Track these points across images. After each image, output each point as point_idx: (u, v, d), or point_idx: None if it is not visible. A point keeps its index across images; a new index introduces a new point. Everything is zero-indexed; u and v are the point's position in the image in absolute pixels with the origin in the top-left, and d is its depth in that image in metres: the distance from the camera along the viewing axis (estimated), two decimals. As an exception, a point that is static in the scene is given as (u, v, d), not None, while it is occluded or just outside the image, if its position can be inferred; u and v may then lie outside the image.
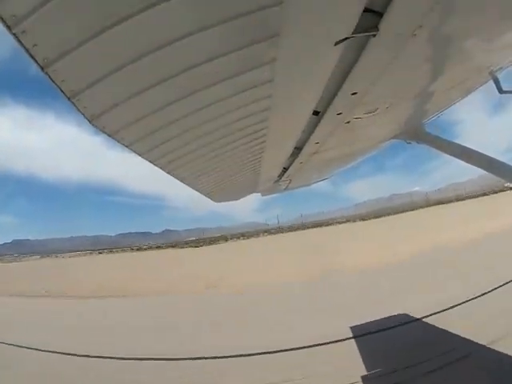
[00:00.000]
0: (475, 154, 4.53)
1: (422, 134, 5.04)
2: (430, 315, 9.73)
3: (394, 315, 10.38)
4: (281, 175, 6.24)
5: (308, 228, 56.15)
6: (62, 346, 11.74)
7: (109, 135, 2.49)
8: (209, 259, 35.84)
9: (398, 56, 2.49)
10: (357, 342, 9.08)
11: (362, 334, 9.48)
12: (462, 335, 7.84)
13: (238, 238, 57.84)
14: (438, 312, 9.91)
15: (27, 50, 1.60)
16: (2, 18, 1.44)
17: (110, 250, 58.48)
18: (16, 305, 21.65)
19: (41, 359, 11.05)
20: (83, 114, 2.16)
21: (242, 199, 8.10)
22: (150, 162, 3.27)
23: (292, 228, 60.57)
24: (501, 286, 11.03)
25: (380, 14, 2.07)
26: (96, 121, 2.27)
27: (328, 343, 9.26)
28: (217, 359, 9.55)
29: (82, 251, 60.63)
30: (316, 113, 3.43)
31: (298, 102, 3.09)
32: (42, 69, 1.73)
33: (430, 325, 9.27)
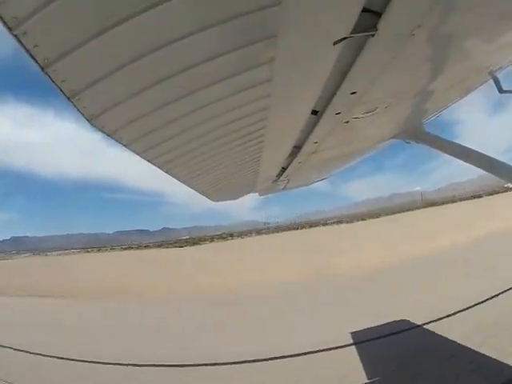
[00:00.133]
0: (474, 154, 4.53)
1: (421, 134, 5.03)
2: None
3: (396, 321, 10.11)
4: (279, 175, 6.23)
5: (304, 228, 56.26)
6: (53, 347, 11.46)
7: (107, 135, 2.49)
8: (205, 258, 35.79)
9: (397, 56, 2.49)
10: (356, 348, 8.86)
11: (361, 341, 9.23)
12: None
13: (237, 236, 58.06)
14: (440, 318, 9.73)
15: (28, 51, 1.62)
16: (4, 20, 1.46)
17: (106, 249, 58.46)
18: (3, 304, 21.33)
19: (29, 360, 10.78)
20: (82, 114, 2.17)
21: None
22: (149, 161, 3.27)
23: (290, 227, 60.71)
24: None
25: (379, 14, 2.07)
26: (95, 120, 2.28)
27: (323, 350, 8.99)
28: (200, 366, 9.32)
29: (77, 249, 60.75)
30: (315, 112, 3.43)
31: (296, 101, 3.09)
32: (43, 69, 1.74)
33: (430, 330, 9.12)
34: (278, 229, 60.95)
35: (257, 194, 8.36)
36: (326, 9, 1.90)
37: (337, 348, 9.02)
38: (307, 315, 12.66)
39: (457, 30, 2.51)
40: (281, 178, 6.52)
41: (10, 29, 1.50)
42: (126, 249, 57.61)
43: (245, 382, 8.37)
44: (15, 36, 1.53)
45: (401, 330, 9.49)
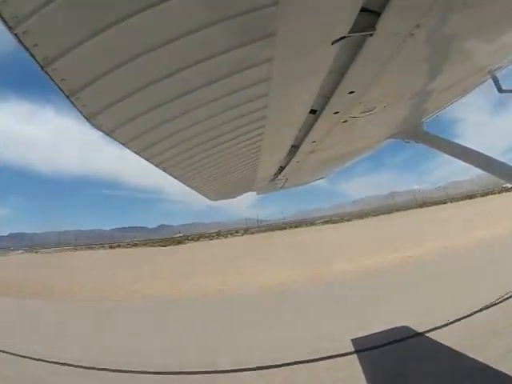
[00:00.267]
0: (473, 154, 4.52)
1: (420, 134, 5.03)
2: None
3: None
4: (277, 174, 6.24)
5: (300, 227, 56.48)
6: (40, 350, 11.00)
7: (106, 133, 2.49)
8: (203, 256, 35.74)
9: (396, 55, 2.49)
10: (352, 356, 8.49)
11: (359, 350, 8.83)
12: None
13: (232, 234, 58.41)
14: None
15: (27, 50, 1.62)
16: (4, 19, 1.47)
17: (102, 246, 58.45)
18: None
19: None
20: (81, 112, 2.18)
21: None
22: (147, 159, 3.27)
23: (287, 225, 60.90)
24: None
25: (377, 14, 2.07)
26: (94, 119, 2.28)
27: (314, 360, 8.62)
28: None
29: (73, 246, 60.69)
30: (313, 111, 3.43)
31: (294, 100, 3.10)
32: (42, 68, 1.75)
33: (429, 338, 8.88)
34: (275, 227, 61.14)
35: (254, 192, 8.38)
36: (324, 8, 1.90)
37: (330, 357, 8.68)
38: (301, 317, 12.41)
39: (456, 29, 2.51)
40: (279, 177, 6.53)
41: (10, 28, 1.51)
42: (122, 246, 57.74)
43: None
44: (15, 35, 1.54)
45: (404, 338, 9.22)
